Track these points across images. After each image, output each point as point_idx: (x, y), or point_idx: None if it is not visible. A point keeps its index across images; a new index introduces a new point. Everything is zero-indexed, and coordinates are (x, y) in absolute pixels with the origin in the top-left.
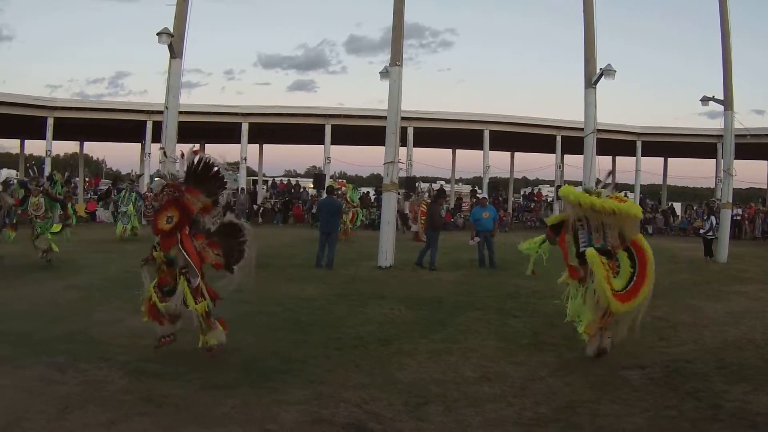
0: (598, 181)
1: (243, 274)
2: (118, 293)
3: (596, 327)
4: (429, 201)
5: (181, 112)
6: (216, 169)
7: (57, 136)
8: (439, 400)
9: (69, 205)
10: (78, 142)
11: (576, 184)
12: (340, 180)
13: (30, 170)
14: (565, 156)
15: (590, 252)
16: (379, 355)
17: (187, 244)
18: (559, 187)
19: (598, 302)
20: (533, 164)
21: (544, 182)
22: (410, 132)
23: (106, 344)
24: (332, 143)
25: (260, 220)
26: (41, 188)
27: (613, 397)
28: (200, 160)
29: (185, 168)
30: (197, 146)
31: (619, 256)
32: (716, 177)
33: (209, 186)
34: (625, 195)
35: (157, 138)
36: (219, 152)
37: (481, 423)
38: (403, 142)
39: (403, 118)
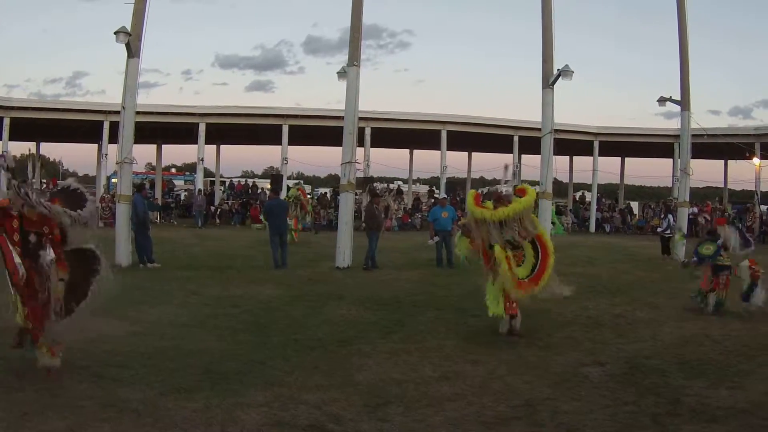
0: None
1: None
2: None
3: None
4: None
5: (138, 113)
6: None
7: (13, 137)
8: (399, 400)
9: None
10: (34, 143)
11: (533, 183)
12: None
13: None
14: (523, 156)
15: (497, 249)
16: (338, 356)
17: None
18: (515, 187)
19: (506, 284)
20: (490, 164)
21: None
22: (367, 132)
23: (64, 349)
24: (290, 143)
25: (218, 221)
26: None
27: (573, 394)
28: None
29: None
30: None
31: (525, 247)
32: (673, 176)
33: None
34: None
35: (114, 138)
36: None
37: (441, 422)
38: (361, 143)
39: (360, 119)
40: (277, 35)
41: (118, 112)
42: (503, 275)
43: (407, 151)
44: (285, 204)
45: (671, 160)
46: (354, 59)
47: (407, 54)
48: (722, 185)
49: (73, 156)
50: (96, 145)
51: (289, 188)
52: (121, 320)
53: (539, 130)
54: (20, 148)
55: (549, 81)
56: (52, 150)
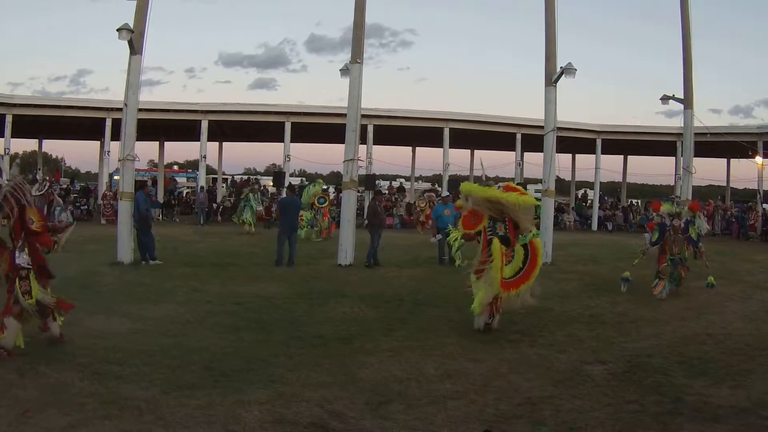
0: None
1: None
2: (77, 293)
3: (487, 306)
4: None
5: (140, 110)
6: None
7: (15, 134)
8: (401, 398)
9: None
10: (37, 140)
11: (536, 181)
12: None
13: None
14: (525, 154)
15: (495, 243)
16: (340, 354)
17: None
18: (519, 184)
19: (491, 285)
20: (493, 162)
21: (504, 180)
22: (370, 130)
23: (66, 345)
24: (292, 141)
25: (220, 218)
26: None
27: (575, 393)
28: None
29: None
30: None
31: (516, 250)
32: (676, 174)
33: None
34: (522, 186)
35: (116, 135)
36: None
37: (444, 420)
38: (363, 140)
39: (363, 116)
40: (280, 34)
41: (120, 109)
42: (493, 272)
43: (410, 148)
44: (299, 203)
45: (674, 158)
46: (357, 56)
47: (409, 52)
48: (725, 184)
49: (76, 153)
50: (98, 142)
51: (304, 187)
52: (122, 317)
53: (542, 128)
54: (23, 146)
55: (552, 79)
56: (54, 147)
